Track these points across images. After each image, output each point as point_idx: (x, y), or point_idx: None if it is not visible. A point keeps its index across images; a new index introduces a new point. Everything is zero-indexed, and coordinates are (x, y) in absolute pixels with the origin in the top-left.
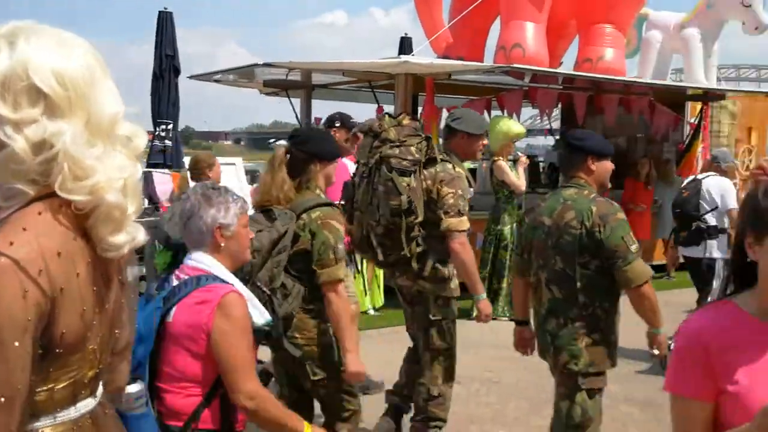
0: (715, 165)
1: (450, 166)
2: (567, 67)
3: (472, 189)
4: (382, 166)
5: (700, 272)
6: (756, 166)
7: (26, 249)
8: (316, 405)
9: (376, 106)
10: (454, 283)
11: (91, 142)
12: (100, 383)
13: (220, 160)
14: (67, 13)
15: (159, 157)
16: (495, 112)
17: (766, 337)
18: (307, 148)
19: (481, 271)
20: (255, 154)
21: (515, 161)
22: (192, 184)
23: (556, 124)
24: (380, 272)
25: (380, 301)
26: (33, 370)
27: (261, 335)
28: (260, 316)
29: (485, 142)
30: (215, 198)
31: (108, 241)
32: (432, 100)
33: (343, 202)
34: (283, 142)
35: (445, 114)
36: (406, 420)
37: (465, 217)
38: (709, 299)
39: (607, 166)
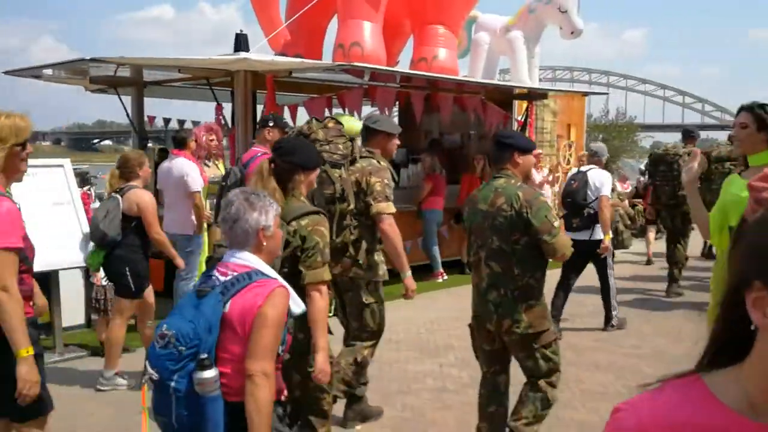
0: (596, 159)
1: (374, 160)
2: (403, 66)
3: (395, 181)
4: None
5: (588, 252)
6: (760, 176)
7: None
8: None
9: (214, 104)
10: (383, 269)
11: None
12: None
13: (45, 162)
14: None
15: None
16: (336, 110)
17: None
18: (292, 158)
19: None
20: (78, 155)
21: None
22: (121, 182)
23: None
24: None
25: None
26: None
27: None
28: (297, 306)
29: (398, 142)
30: (257, 203)
31: None
32: (273, 97)
33: None
34: (108, 142)
35: (287, 111)
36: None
37: (391, 203)
38: (610, 272)
39: (530, 159)
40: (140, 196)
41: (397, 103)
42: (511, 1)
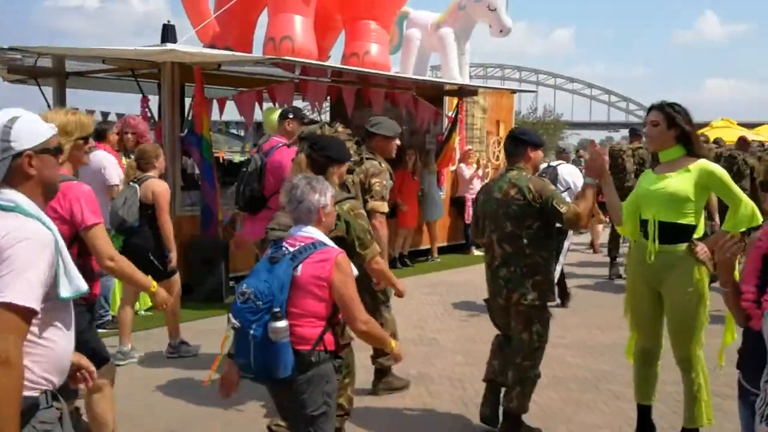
0: (564, 155)
1: (376, 162)
2: (335, 60)
3: (392, 181)
4: None
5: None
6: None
7: None
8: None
9: (140, 96)
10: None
11: None
12: None
13: None
14: None
15: None
16: (267, 104)
17: None
18: (327, 152)
19: None
20: None
21: None
22: (139, 173)
23: (326, 117)
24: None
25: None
26: None
27: None
28: (355, 270)
29: (398, 142)
30: (317, 186)
31: None
32: (201, 90)
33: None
34: None
35: (215, 105)
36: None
37: (385, 202)
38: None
39: (539, 154)
40: (156, 185)
41: (329, 97)
42: None
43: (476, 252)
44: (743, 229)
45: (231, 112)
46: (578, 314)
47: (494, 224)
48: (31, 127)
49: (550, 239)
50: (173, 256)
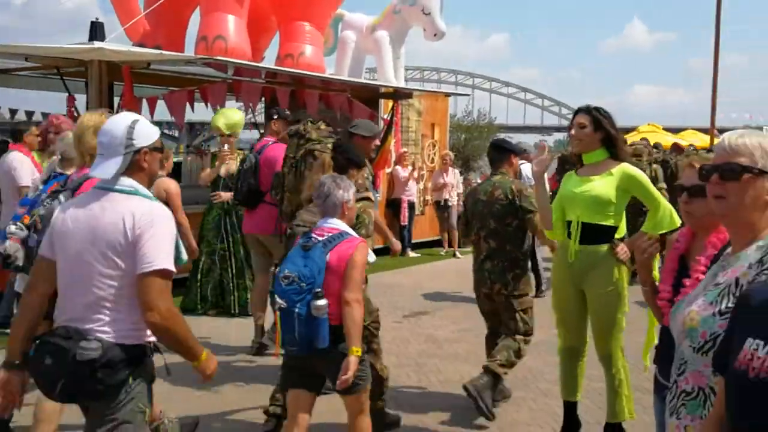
0: (526, 155)
1: None
2: (269, 61)
3: (371, 177)
4: (308, 157)
5: None
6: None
7: None
8: None
9: (66, 94)
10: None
11: None
12: None
13: None
14: None
15: None
16: (198, 104)
17: None
18: (348, 155)
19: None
20: None
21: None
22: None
23: (260, 118)
24: None
25: None
26: None
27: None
28: (372, 256)
29: (377, 142)
30: (342, 183)
31: None
32: (131, 89)
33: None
34: None
35: (145, 104)
36: None
37: (371, 193)
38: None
39: (517, 160)
40: (168, 184)
41: (263, 98)
42: (377, 0)
43: (411, 254)
44: (663, 231)
45: (164, 113)
46: None
47: (480, 222)
48: (147, 128)
49: (528, 237)
50: (194, 249)
